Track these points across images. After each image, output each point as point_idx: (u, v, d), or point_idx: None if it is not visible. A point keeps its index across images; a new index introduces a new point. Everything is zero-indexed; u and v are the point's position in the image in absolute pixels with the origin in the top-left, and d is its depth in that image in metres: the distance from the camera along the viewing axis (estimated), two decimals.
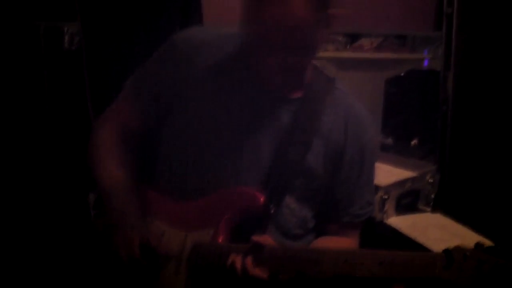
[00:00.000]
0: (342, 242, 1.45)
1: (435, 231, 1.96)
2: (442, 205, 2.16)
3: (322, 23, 1.23)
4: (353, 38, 3.22)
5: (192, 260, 1.32)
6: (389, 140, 3.01)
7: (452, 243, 1.63)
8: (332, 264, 1.16)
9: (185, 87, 1.38)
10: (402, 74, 3.16)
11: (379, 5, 2.70)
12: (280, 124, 1.37)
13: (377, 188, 1.98)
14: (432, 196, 2.16)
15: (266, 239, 1.26)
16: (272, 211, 1.34)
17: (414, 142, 2.69)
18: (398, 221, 2.05)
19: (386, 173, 2.13)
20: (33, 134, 2.27)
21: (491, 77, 2.45)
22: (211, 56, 1.38)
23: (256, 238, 1.24)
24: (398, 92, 3.13)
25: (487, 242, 1.07)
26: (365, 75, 3.13)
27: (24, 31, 2.26)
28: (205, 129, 1.37)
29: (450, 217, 2.10)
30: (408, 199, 2.12)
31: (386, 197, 1.99)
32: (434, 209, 2.15)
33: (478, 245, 1.06)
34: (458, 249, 1.08)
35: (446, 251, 1.08)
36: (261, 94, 1.36)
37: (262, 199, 1.31)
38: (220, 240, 1.31)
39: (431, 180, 2.16)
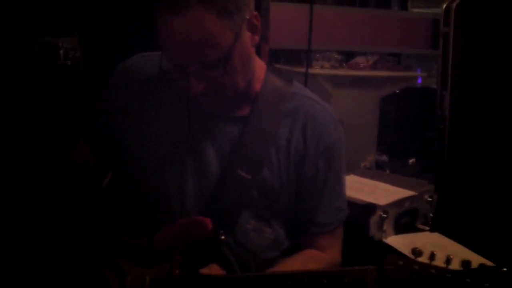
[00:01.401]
0: (310, 259, 1.38)
1: (434, 250, 1.95)
2: (440, 225, 2.15)
3: (234, 29, 1.15)
4: (348, 55, 3.25)
5: None
6: (384, 157, 3.02)
7: (451, 262, 1.63)
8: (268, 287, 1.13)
9: (132, 119, 1.34)
10: (397, 92, 3.19)
11: (376, 24, 2.71)
12: (228, 144, 1.31)
13: (376, 207, 1.97)
14: (431, 215, 2.15)
15: (214, 269, 1.22)
16: (222, 237, 1.27)
17: (412, 160, 2.69)
18: (397, 240, 2.04)
19: (384, 192, 2.12)
20: (28, 147, 2.26)
21: (488, 96, 2.46)
22: (151, 83, 1.34)
23: (203, 270, 1.21)
24: (394, 110, 3.15)
25: (487, 262, 1.05)
26: (360, 92, 3.15)
27: (19, 47, 2.25)
28: (152, 159, 1.32)
29: (448, 237, 2.10)
30: (407, 218, 2.10)
31: (385, 216, 1.97)
32: (433, 229, 2.14)
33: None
34: (390, 260, 1.04)
35: (378, 264, 1.05)
36: (205, 115, 1.31)
37: (208, 226, 1.24)
38: (177, 274, 1.27)
39: (430, 199, 2.15)
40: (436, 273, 1.01)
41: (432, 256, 1.03)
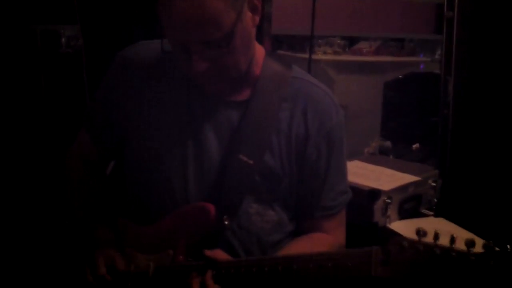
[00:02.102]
0: (316, 241, 1.38)
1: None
2: (444, 210, 2.16)
3: (236, 8, 1.15)
4: (351, 41, 3.23)
5: (156, 283, 1.29)
6: (388, 143, 3.01)
7: (456, 242, 1.63)
8: (273, 271, 1.15)
9: (133, 108, 1.34)
10: (401, 77, 3.17)
11: (379, 9, 2.70)
12: (229, 129, 1.31)
13: (380, 192, 1.97)
14: (435, 200, 2.15)
15: (218, 253, 1.23)
16: (226, 222, 1.28)
17: (415, 146, 2.69)
18: (401, 226, 2.04)
19: (389, 178, 2.12)
20: (30, 136, 2.26)
21: (492, 81, 2.45)
22: (152, 70, 1.34)
23: (208, 253, 1.21)
24: (397, 95, 3.14)
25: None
26: (363, 78, 3.15)
27: (21, 35, 2.24)
28: (153, 146, 1.32)
29: (453, 222, 2.10)
30: (411, 204, 2.10)
31: (389, 201, 1.97)
32: (437, 214, 2.15)
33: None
34: (394, 242, 1.03)
35: (382, 246, 1.04)
36: (206, 100, 1.31)
37: (212, 211, 1.26)
38: (181, 259, 1.28)
39: (434, 185, 2.15)
40: (441, 252, 1.00)
41: (436, 236, 1.02)
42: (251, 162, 1.29)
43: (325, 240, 1.40)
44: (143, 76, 1.34)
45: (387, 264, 1.04)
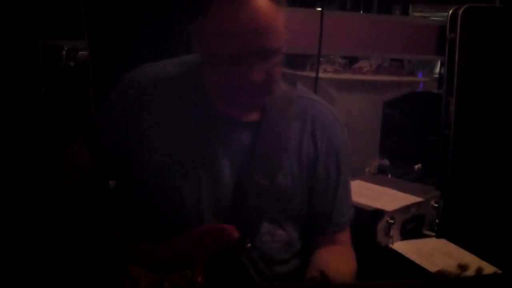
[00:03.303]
0: (339, 253, 1.39)
1: (441, 257, 1.95)
2: (446, 231, 2.16)
3: (282, 19, 1.17)
4: (352, 60, 3.26)
5: None
6: (386, 162, 3.01)
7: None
8: None
9: (141, 130, 1.32)
10: (401, 96, 3.19)
11: (381, 28, 2.72)
12: (241, 150, 1.31)
13: (384, 213, 1.97)
14: (436, 221, 2.16)
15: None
16: (249, 245, 1.28)
17: (417, 166, 2.70)
18: (404, 246, 2.04)
19: (391, 198, 2.12)
20: (30, 148, 2.24)
21: (492, 102, 2.47)
22: (161, 92, 1.32)
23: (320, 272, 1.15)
24: (396, 114, 3.16)
25: (491, 268, 1.05)
26: (363, 96, 3.16)
27: (22, 49, 2.24)
28: (166, 166, 1.30)
29: (454, 242, 2.10)
30: (413, 224, 2.11)
31: (392, 222, 1.97)
32: (438, 235, 2.15)
33: (478, 270, 1.02)
34: (440, 275, 1.03)
35: (428, 278, 1.04)
36: (217, 122, 1.31)
37: (235, 233, 1.23)
38: (200, 281, 1.24)
39: (436, 205, 2.15)
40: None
41: (479, 271, 1.03)
42: (266, 183, 1.28)
43: (345, 251, 1.41)
44: (153, 98, 1.32)
45: None
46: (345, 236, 1.44)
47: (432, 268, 1.89)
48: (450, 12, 2.55)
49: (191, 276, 1.25)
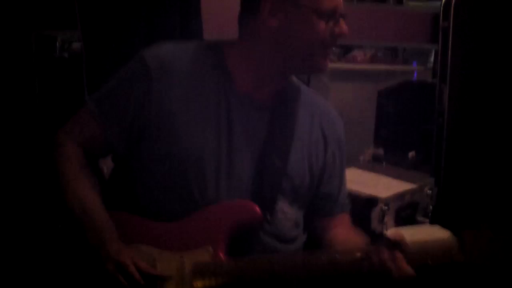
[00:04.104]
0: (352, 231, 1.51)
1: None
2: (439, 217, 2.18)
3: None
4: (346, 49, 3.26)
5: (199, 281, 1.26)
6: (380, 151, 3.03)
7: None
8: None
9: (160, 107, 1.33)
10: (395, 85, 3.20)
11: (375, 17, 2.72)
12: (258, 132, 1.38)
13: (377, 199, 1.99)
14: (430, 208, 2.18)
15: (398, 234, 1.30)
16: (269, 218, 1.34)
17: (411, 154, 2.71)
18: None
19: (385, 185, 2.14)
20: (24, 140, 2.24)
21: (486, 89, 2.48)
22: (182, 70, 1.34)
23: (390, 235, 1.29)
24: (390, 104, 3.16)
25: None
26: (357, 86, 3.17)
27: (16, 40, 2.23)
28: (187, 140, 1.32)
29: (448, 229, 2.11)
30: (407, 211, 2.13)
31: (386, 208, 2.00)
32: (432, 221, 2.17)
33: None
34: (468, 232, 1.20)
35: (458, 235, 1.20)
36: (238, 101, 1.36)
37: (258, 209, 1.30)
38: (222, 256, 1.27)
39: (429, 192, 2.18)
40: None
41: None
42: (279, 164, 1.37)
43: (355, 230, 1.52)
44: (176, 71, 1.34)
45: (463, 251, 1.20)
46: (348, 218, 1.56)
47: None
48: (444, 0, 2.56)
49: (213, 251, 1.27)
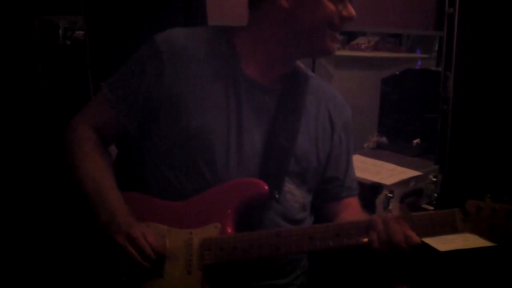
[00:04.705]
0: (357, 213, 1.52)
1: None
2: (444, 204, 2.17)
3: None
4: (350, 36, 3.23)
5: (207, 256, 1.29)
6: (384, 139, 3.02)
7: (456, 242, 1.66)
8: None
9: (171, 89, 1.36)
10: (398, 73, 3.18)
11: (379, 3, 2.70)
12: (267, 113, 1.41)
13: (382, 186, 1.99)
14: (435, 195, 2.17)
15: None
16: (277, 197, 1.37)
17: (416, 141, 2.71)
18: None
19: (390, 172, 2.13)
20: (28, 126, 2.23)
21: (491, 77, 2.47)
22: (193, 54, 1.38)
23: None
24: (394, 91, 3.15)
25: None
26: (362, 73, 3.14)
27: (19, 25, 2.22)
28: (195, 125, 1.35)
29: None
30: (412, 198, 2.13)
31: (391, 195, 1.99)
32: (437, 208, 2.16)
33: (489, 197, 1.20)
34: (471, 203, 1.22)
35: (461, 206, 1.21)
36: (248, 84, 1.40)
37: (266, 187, 1.32)
38: (229, 232, 1.30)
39: (434, 179, 2.17)
40: None
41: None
42: (287, 145, 1.40)
43: (366, 216, 1.51)
44: (188, 54, 1.37)
45: (467, 222, 1.21)
46: (356, 201, 1.59)
47: (429, 240, 1.91)
48: None
49: (222, 227, 1.29)
